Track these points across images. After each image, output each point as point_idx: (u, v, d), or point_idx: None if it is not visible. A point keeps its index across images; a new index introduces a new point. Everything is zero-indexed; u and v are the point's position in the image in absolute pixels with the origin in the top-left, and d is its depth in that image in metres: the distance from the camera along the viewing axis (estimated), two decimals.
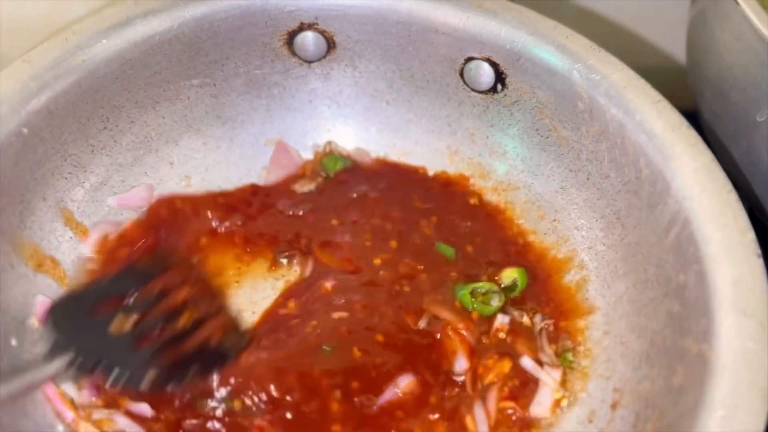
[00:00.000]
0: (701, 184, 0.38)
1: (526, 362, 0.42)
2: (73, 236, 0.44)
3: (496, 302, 0.44)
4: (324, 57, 0.50)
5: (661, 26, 0.58)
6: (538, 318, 0.44)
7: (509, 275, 0.45)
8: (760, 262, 0.35)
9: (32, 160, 0.41)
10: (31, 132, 0.41)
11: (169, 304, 0.39)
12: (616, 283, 0.43)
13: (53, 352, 0.34)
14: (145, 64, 0.45)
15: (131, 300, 0.39)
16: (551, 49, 0.44)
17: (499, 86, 0.47)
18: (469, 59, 0.47)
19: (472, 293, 0.44)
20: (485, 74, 0.47)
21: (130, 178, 0.47)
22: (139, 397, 0.38)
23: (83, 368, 0.35)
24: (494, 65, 0.47)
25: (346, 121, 0.52)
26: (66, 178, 0.44)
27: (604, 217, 0.44)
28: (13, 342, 0.39)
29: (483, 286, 0.44)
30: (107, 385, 0.36)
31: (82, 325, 0.36)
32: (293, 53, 0.49)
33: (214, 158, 0.50)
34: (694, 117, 0.45)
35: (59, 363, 0.34)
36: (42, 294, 0.41)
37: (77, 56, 0.42)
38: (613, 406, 0.39)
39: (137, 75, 0.45)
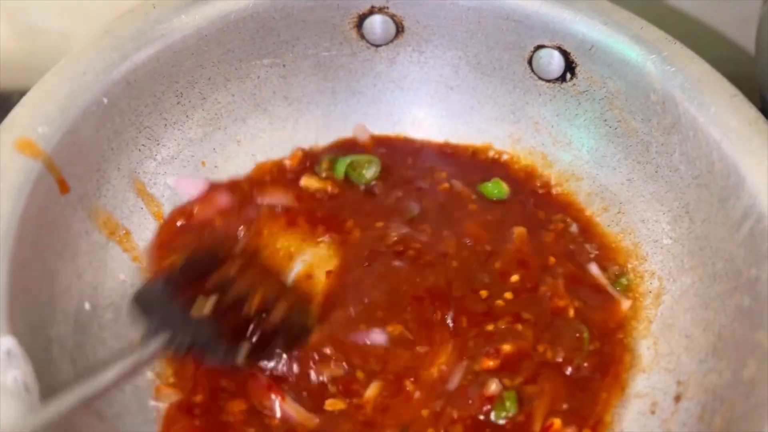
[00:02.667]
0: None
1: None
2: (144, 207, 0.45)
3: None
4: (391, 41, 0.50)
5: (731, 22, 0.57)
6: None
7: None
8: None
9: (110, 130, 0.42)
10: (111, 102, 0.41)
11: (242, 286, 0.40)
12: (683, 277, 0.43)
13: (149, 335, 0.36)
14: (220, 42, 0.46)
15: (206, 284, 0.40)
16: (625, 39, 0.44)
17: (569, 75, 0.47)
18: (539, 47, 0.47)
19: None
20: (555, 63, 0.47)
21: (199, 153, 0.48)
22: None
23: (181, 348, 0.36)
24: (565, 54, 0.47)
25: (409, 107, 0.52)
26: (140, 150, 0.45)
27: (672, 210, 0.44)
28: (87, 306, 0.40)
29: None
30: (205, 362, 0.38)
31: (167, 309, 0.37)
32: (362, 36, 0.50)
33: (279, 138, 0.50)
34: None
35: (157, 345, 0.35)
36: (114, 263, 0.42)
37: (156, 30, 0.43)
38: (677, 399, 0.39)
39: (211, 52, 0.46)
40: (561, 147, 0.50)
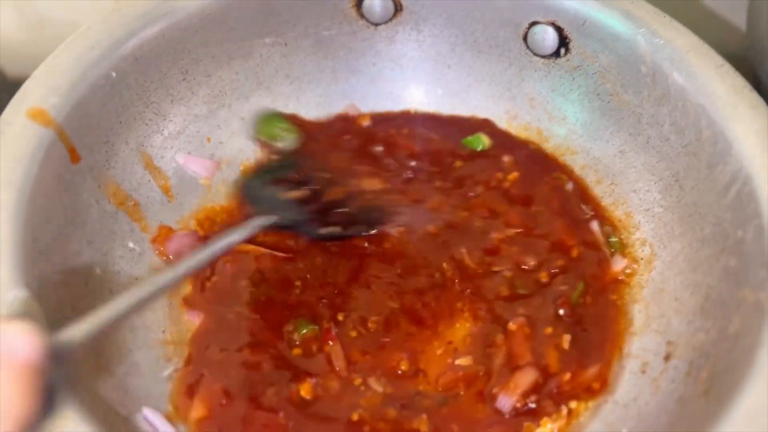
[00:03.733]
0: (763, 144, 0.39)
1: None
2: (151, 180, 0.46)
3: None
4: (390, 20, 0.51)
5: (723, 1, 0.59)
6: None
7: None
8: None
9: (118, 104, 0.44)
10: (119, 76, 0.43)
11: (324, 180, 0.47)
12: (673, 243, 0.44)
13: (257, 213, 0.41)
14: (223, 20, 0.47)
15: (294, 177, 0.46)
16: (616, 14, 0.45)
17: (563, 51, 0.49)
18: (534, 23, 0.49)
19: None
20: (549, 38, 0.49)
21: (204, 129, 0.49)
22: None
23: (282, 225, 0.42)
24: (558, 30, 0.48)
25: (408, 84, 0.53)
26: (147, 124, 0.46)
27: (663, 180, 0.45)
28: (98, 270, 0.42)
29: None
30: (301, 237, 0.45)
31: (268, 194, 0.44)
32: (361, 15, 0.51)
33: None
34: None
35: (265, 221, 0.41)
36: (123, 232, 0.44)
37: (162, 8, 0.45)
38: (667, 358, 0.40)
39: (216, 30, 0.47)
40: (556, 122, 0.51)
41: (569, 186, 0.48)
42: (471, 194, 0.48)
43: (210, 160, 0.49)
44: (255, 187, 0.45)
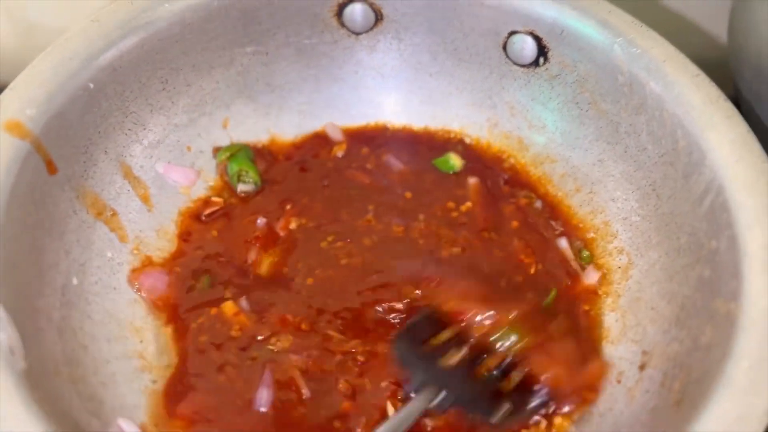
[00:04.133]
0: (737, 154, 0.39)
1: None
2: (131, 190, 0.46)
3: None
4: (371, 29, 0.52)
5: (704, 11, 0.59)
6: None
7: None
8: None
9: (96, 114, 0.44)
10: (97, 87, 0.43)
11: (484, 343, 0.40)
12: (650, 252, 0.44)
13: (421, 388, 0.36)
14: (203, 30, 0.47)
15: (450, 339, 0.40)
16: (593, 23, 0.46)
17: (541, 60, 0.49)
18: (513, 33, 0.49)
19: None
20: (528, 48, 0.49)
21: (184, 138, 0.49)
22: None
23: (446, 402, 0.36)
24: (537, 39, 0.48)
25: (389, 93, 0.53)
26: (126, 134, 0.46)
27: (640, 189, 0.45)
28: (75, 281, 0.42)
29: None
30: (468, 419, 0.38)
31: (424, 360, 0.38)
32: (342, 24, 0.51)
33: (264, 125, 0.52)
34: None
35: (428, 397, 0.36)
36: (101, 242, 0.44)
37: (141, 18, 0.45)
38: (642, 367, 0.41)
39: (195, 39, 0.47)
40: (536, 130, 0.51)
41: (538, 204, 0.49)
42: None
43: (190, 169, 0.49)
44: (407, 345, 0.39)
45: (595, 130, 0.48)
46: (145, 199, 0.47)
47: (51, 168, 0.41)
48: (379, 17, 0.51)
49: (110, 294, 0.43)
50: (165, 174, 0.48)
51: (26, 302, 0.37)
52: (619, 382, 0.41)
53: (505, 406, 0.38)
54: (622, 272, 0.45)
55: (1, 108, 0.39)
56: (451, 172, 0.50)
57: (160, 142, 0.48)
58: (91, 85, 0.43)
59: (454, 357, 0.39)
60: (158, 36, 0.46)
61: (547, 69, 0.49)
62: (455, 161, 0.51)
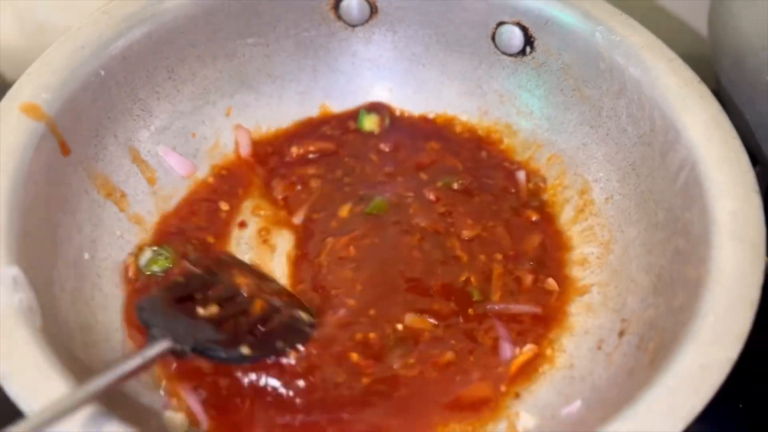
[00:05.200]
0: (709, 132, 0.42)
1: None
2: (139, 173, 0.49)
3: None
4: (367, 21, 0.54)
5: (685, 5, 0.61)
6: None
7: None
8: (757, 196, 0.38)
9: (107, 100, 0.47)
10: (108, 74, 0.46)
11: (240, 295, 0.44)
12: (630, 228, 0.46)
13: (152, 341, 0.37)
14: (208, 22, 0.50)
15: (208, 294, 0.43)
16: (576, 13, 0.48)
17: (528, 49, 0.51)
18: (501, 23, 0.51)
19: None
20: (515, 38, 0.52)
21: (189, 125, 0.52)
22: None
23: (183, 351, 0.38)
24: (524, 29, 0.51)
25: (384, 83, 0.56)
26: (134, 120, 0.49)
27: (621, 169, 0.48)
28: (86, 256, 0.44)
29: None
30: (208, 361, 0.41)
31: (170, 316, 0.40)
32: (339, 17, 0.54)
33: (264, 113, 0.55)
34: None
35: (159, 348, 0.37)
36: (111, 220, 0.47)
37: (148, 10, 0.48)
38: (621, 334, 0.43)
39: (200, 31, 0.50)
40: (524, 116, 0.54)
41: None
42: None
43: (189, 161, 0.52)
44: (153, 306, 0.40)
45: (579, 115, 0.50)
46: (152, 182, 0.50)
47: (64, 149, 0.43)
48: (374, 10, 0.54)
49: (119, 269, 0.46)
50: (165, 157, 0.51)
51: (41, 271, 0.40)
52: (599, 348, 0.43)
53: (245, 347, 0.40)
54: (604, 247, 0.47)
55: (18, 92, 0.42)
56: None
57: (166, 129, 0.51)
58: (102, 72, 0.46)
59: (206, 311, 0.41)
60: (165, 27, 0.48)
61: (533, 57, 0.52)
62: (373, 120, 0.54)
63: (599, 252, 0.47)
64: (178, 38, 0.50)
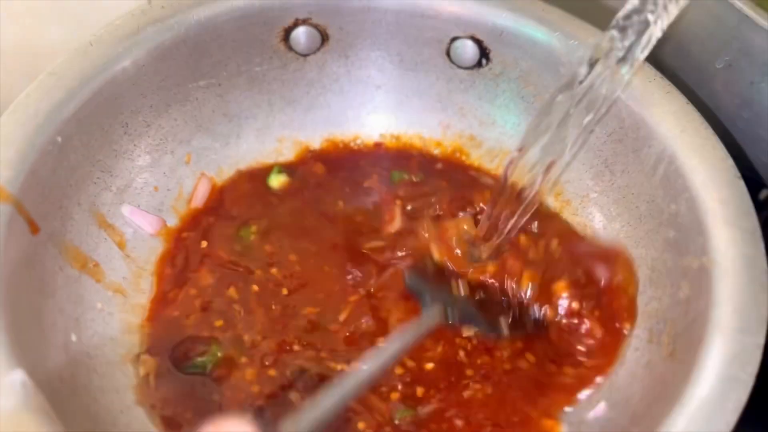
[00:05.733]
0: (681, 124, 0.44)
1: None
2: (108, 238, 0.46)
3: None
4: (318, 49, 0.53)
5: None
6: None
7: None
8: (741, 182, 0.41)
9: (66, 167, 0.43)
10: (64, 140, 0.43)
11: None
12: (612, 224, 0.48)
13: (430, 307, 0.43)
14: (157, 70, 0.48)
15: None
16: (531, 21, 0.49)
17: (484, 61, 0.52)
18: (454, 39, 0.52)
19: None
20: (470, 51, 0.52)
21: (150, 179, 0.49)
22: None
23: (453, 318, 0.44)
24: (478, 42, 0.51)
25: (343, 109, 0.55)
26: (95, 183, 0.46)
27: (593, 167, 0.49)
28: (73, 338, 0.41)
29: None
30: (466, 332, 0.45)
31: (435, 287, 0.46)
32: (289, 48, 0.52)
33: (225, 153, 0.53)
34: None
35: (435, 315, 0.43)
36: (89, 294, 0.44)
37: (97, 65, 0.45)
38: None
39: (150, 80, 0.48)
40: (486, 127, 0.54)
41: None
42: None
43: (155, 216, 0.49)
44: (419, 278, 0.46)
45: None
46: (122, 246, 0.47)
47: (33, 228, 0.40)
48: (324, 38, 0.53)
49: (108, 345, 0.43)
50: (131, 218, 0.48)
51: (38, 365, 0.36)
52: None
53: (503, 321, 0.45)
54: None
55: None
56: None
57: (127, 186, 0.48)
58: (59, 139, 0.42)
59: (460, 287, 0.46)
60: (115, 81, 0.46)
61: (490, 69, 0.52)
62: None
63: None
64: (129, 90, 0.47)
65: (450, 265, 0.47)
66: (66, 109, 0.43)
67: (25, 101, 0.42)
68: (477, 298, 0.46)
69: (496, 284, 0.46)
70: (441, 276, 0.46)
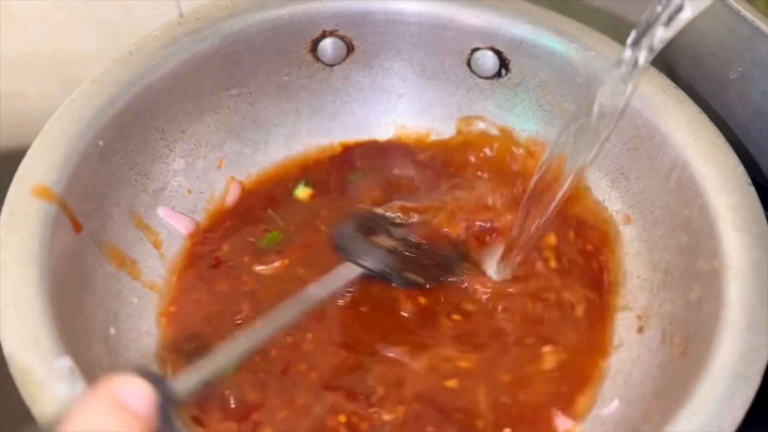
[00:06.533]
0: (694, 133, 0.45)
1: None
2: (144, 237, 0.48)
3: None
4: (344, 60, 0.55)
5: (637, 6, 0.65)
6: None
7: None
8: (752, 189, 0.42)
9: (107, 170, 0.46)
10: (105, 144, 0.45)
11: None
12: (628, 228, 0.50)
13: (349, 260, 0.46)
14: (192, 79, 0.50)
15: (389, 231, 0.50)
16: (549, 33, 0.51)
17: (503, 71, 0.54)
18: (475, 50, 0.54)
19: None
20: (490, 62, 0.54)
21: (184, 182, 0.52)
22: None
23: (374, 271, 0.46)
24: (498, 53, 0.53)
25: (367, 117, 0.57)
26: (133, 185, 0.48)
27: (609, 174, 0.51)
28: (112, 330, 0.44)
29: None
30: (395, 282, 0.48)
31: (358, 244, 0.48)
32: (317, 59, 0.55)
33: (254, 159, 0.55)
34: None
35: (356, 270, 0.45)
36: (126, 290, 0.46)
37: (136, 73, 0.47)
38: (640, 330, 0.46)
39: (186, 89, 0.50)
40: (505, 134, 0.56)
41: None
42: None
43: (188, 218, 0.51)
44: (346, 235, 0.49)
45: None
46: (157, 245, 0.49)
47: (77, 226, 0.43)
48: (350, 49, 0.55)
49: (144, 338, 0.45)
50: (166, 219, 0.50)
51: (82, 356, 0.39)
52: (621, 346, 0.46)
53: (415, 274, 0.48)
54: None
55: (25, 175, 0.41)
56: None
57: (163, 189, 0.50)
58: (101, 143, 0.45)
59: (389, 241, 0.49)
60: (153, 89, 0.48)
61: (509, 78, 0.54)
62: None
63: None
64: (166, 98, 0.49)
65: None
66: (107, 114, 0.45)
67: (70, 107, 0.44)
68: (408, 252, 0.49)
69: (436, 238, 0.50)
70: (370, 232, 0.49)
